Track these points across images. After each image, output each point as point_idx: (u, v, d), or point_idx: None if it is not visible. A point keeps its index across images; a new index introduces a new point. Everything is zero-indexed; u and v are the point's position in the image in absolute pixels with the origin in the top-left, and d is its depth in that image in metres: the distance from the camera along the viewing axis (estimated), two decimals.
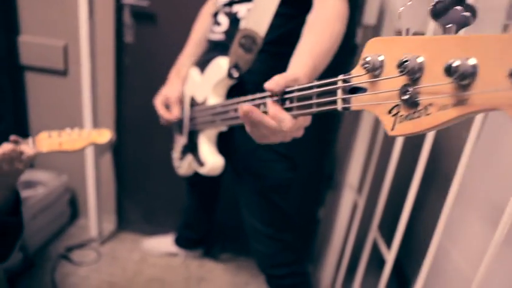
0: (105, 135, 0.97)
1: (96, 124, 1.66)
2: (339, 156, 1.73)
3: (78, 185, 1.98)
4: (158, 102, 1.26)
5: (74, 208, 2.04)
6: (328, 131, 1.68)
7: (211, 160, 1.02)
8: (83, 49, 1.55)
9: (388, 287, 1.06)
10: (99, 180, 1.81)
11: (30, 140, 0.93)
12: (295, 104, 0.59)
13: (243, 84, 1.00)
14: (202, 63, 1.13)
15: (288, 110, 0.60)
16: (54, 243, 1.86)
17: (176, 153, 1.31)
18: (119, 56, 1.73)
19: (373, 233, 1.23)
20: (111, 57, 1.72)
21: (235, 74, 0.95)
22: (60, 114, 1.87)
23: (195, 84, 1.15)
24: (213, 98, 1.01)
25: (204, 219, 1.72)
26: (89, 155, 1.73)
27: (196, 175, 1.36)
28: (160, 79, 1.33)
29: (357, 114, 1.48)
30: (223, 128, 1.02)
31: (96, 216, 1.84)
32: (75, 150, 0.96)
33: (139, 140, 1.86)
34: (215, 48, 1.09)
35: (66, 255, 1.78)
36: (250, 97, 0.71)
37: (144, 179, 1.94)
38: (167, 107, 1.26)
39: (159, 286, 1.68)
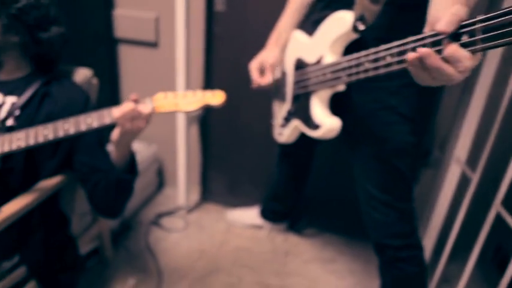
0: (219, 97, 0.95)
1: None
2: (439, 132, 1.60)
3: (165, 155, 2.04)
4: (253, 66, 1.23)
5: (160, 178, 2.11)
6: (429, 105, 1.56)
7: (328, 122, 0.97)
8: (178, 20, 1.56)
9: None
10: (189, 150, 1.84)
11: (148, 99, 0.94)
12: (479, 37, 0.51)
13: (362, 41, 0.93)
14: (312, 24, 1.07)
15: (466, 46, 0.54)
16: (145, 210, 1.93)
17: (278, 120, 1.27)
18: (209, 26, 1.72)
19: (495, 209, 1.11)
20: (201, 26, 1.71)
21: (361, 27, 0.88)
22: (151, 84, 1.92)
23: (303, 45, 1.10)
24: (330, 55, 0.95)
25: (292, 191, 1.69)
26: (180, 125, 1.76)
27: (290, 145, 1.32)
28: (250, 49, 1.30)
29: (468, 83, 1.35)
30: (341, 88, 0.95)
31: (184, 185, 1.88)
32: (190, 111, 0.95)
33: (226, 111, 1.85)
34: (328, 6, 1.02)
35: (157, 222, 1.84)
36: (405, 40, 0.65)
37: (229, 150, 1.94)
38: (262, 72, 1.23)
39: (247, 256, 1.68)
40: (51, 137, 0.90)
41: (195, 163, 1.97)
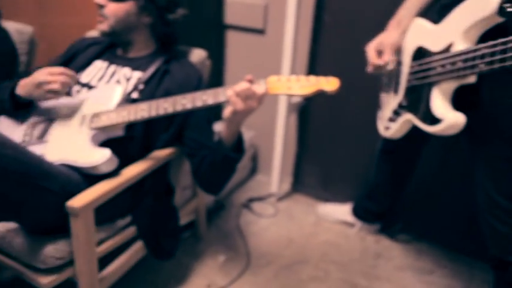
0: (334, 83, 0.92)
1: None
2: None
3: (261, 142, 2.07)
4: (371, 46, 1.17)
5: (254, 163, 2.15)
6: None
7: (451, 116, 0.88)
8: (289, 7, 1.55)
9: None
10: (286, 140, 1.85)
11: (262, 81, 0.95)
12: None
13: (502, 28, 0.82)
14: (441, 9, 0.99)
15: None
16: (237, 193, 1.99)
17: (386, 113, 1.20)
18: (319, 13, 1.69)
19: None
20: (311, 14, 1.69)
21: (510, 9, 0.77)
22: (255, 70, 1.95)
23: (427, 32, 1.01)
24: (463, 42, 0.86)
25: (390, 192, 1.59)
26: (281, 114, 1.77)
27: (395, 141, 1.24)
28: (359, 39, 1.23)
29: None
30: (471, 80, 0.86)
31: (278, 174, 1.90)
32: (303, 95, 0.93)
33: (328, 102, 1.81)
34: None
35: (248, 205, 1.89)
36: None
37: (326, 143, 1.90)
38: (379, 53, 1.16)
39: (335, 250, 1.64)
40: (170, 110, 0.96)
41: (290, 153, 1.97)
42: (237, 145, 1.03)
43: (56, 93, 1.01)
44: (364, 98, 1.64)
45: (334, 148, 1.88)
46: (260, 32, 1.87)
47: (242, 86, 0.91)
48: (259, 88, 0.92)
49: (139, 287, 1.37)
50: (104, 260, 1.08)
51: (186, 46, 1.33)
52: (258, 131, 2.04)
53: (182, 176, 1.37)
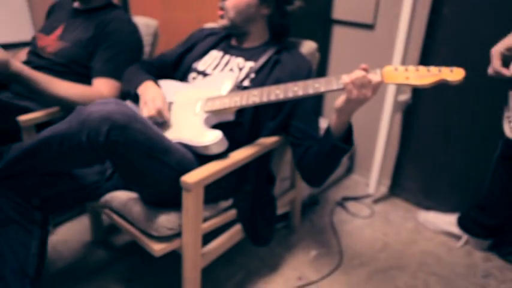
0: (458, 73, 0.85)
1: None
2: None
3: (360, 140, 2.01)
4: (497, 49, 1.08)
5: (351, 162, 2.09)
6: None
7: None
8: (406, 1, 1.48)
9: None
10: (389, 139, 1.76)
11: (377, 70, 0.92)
12: None
13: None
14: None
15: None
16: (332, 190, 1.96)
17: None
18: (437, 6, 1.57)
19: None
20: (427, 6, 1.58)
21: None
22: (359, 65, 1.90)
23: None
24: None
25: (507, 204, 1.43)
26: (386, 113, 1.70)
27: None
28: (482, 34, 1.11)
29: None
30: None
31: (377, 174, 1.82)
32: (423, 85, 0.88)
33: (437, 103, 1.68)
34: None
35: (343, 204, 1.84)
36: None
37: (431, 147, 1.77)
38: (505, 59, 1.05)
39: (435, 261, 1.52)
40: (281, 96, 0.98)
41: (391, 154, 1.88)
42: (346, 136, 1.01)
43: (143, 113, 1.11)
44: (482, 98, 1.49)
45: (441, 151, 1.74)
46: (369, 27, 1.81)
47: (358, 73, 0.89)
48: (375, 77, 0.89)
49: (232, 268, 1.43)
50: (206, 238, 1.14)
51: (295, 38, 1.34)
52: (358, 129, 1.97)
53: (283, 166, 1.38)
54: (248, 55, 1.22)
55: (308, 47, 1.28)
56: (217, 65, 1.24)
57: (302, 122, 1.15)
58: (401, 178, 1.91)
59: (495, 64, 1.08)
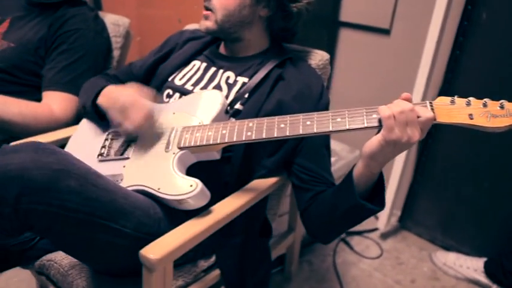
0: None
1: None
2: None
3: None
4: None
5: None
6: None
7: None
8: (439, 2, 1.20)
9: None
10: (404, 167, 1.49)
11: (427, 103, 0.64)
12: None
13: None
14: None
15: None
16: None
17: None
18: (472, 9, 1.29)
19: None
20: (459, 10, 1.31)
21: None
22: (371, 80, 1.62)
23: None
24: None
25: None
26: None
27: None
28: None
29: None
30: None
31: (390, 205, 1.55)
32: (495, 128, 0.61)
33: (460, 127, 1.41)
34: None
35: (345, 239, 1.57)
36: None
37: (453, 175, 1.50)
38: None
39: None
40: (288, 133, 0.69)
41: (405, 182, 1.60)
42: (374, 192, 0.73)
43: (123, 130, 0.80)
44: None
45: (464, 183, 1.47)
46: (384, 32, 1.53)
47: (402, 105, 0.61)
48: (425, 111, 0.61)
49: None
50: None
51: (301, 46, 1.05)
52: None
53: (281, 204, 1.10)
54: (241, 68, 0.92)
55: (318, 58, 0.99)
56: (199, 80, 0.94)
57: (310, 160, 0.86)
58: (415, 209, 1.64)
59: None
